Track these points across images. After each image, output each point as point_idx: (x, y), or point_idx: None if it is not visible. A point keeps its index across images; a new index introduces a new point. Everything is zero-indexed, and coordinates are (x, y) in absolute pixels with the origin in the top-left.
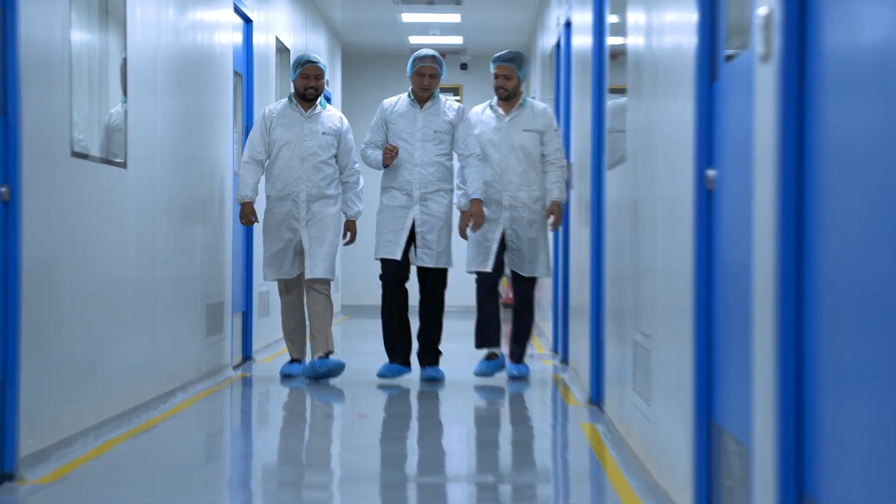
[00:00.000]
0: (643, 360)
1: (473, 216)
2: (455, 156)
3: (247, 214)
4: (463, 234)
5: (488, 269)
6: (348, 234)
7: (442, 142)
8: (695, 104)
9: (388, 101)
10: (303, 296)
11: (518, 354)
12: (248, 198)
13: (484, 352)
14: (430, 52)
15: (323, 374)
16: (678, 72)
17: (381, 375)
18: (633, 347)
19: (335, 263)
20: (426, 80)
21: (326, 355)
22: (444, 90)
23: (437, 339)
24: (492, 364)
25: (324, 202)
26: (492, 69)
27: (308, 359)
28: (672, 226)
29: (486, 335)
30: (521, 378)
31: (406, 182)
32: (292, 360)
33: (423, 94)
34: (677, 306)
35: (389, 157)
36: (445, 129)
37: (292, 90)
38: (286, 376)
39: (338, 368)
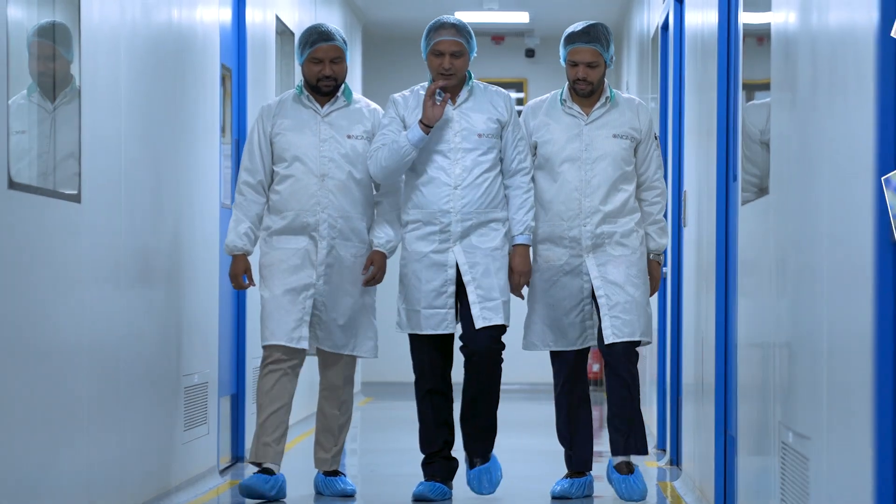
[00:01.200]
0: (797, 470)
1: (516, 273)
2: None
3: (237, 274)
4: (516, 290)
5: (571, 345)
6: (371, 267)
7: (490, 149)
8: (875, 113)
9: (401, 96)
10: (295, 383)
11: (628, 446)
12: (239, 248)
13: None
14: (450, 19)
15: (328, 495)
16: (849, 64)
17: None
18: (782, 452)
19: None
20: (446, 60)
21: (335, 473)
22: (504, 87)
23: (492, 438)
24: (578, 483)
25: (353, 245)
26: (563, 54)
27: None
28: (842, 285)
29: (570, 449)
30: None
31: (441, 212)
32: (262, 470)
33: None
34: (850, 394)
35: (434, 108)
36: (492, 131)
37: (301, 79)
38: (251, 495)
39: (345, 496)
